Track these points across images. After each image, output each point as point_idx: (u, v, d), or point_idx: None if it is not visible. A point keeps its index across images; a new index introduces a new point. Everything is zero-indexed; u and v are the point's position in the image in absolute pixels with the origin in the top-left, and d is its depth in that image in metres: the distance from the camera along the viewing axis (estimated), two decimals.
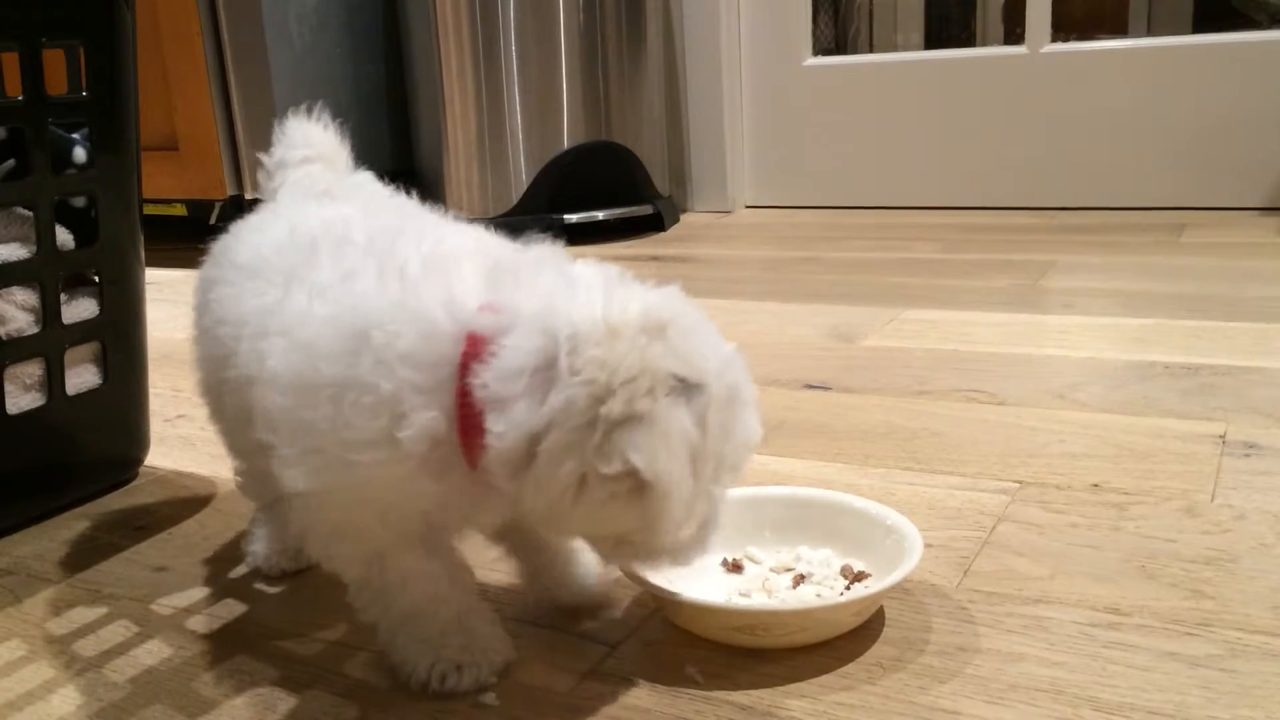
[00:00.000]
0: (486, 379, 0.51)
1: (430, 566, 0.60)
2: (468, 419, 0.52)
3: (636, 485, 0.50)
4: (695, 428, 0.51)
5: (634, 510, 0.51)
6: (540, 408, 0.50)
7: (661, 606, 0.69)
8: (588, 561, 0.71)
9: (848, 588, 0.68)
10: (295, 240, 0.62)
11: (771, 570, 0.71)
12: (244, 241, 0.67)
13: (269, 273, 0.61)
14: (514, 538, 0.68)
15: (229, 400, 0.65)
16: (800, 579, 0.70)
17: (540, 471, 0.51)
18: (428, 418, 0.52)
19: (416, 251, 0.55)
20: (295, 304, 0.57)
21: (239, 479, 0.80)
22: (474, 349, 0.52)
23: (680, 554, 0.57)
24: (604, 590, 0.71)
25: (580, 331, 0.50)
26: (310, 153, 0.73)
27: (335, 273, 0.57)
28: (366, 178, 0.70)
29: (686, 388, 0.51)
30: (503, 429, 0.51)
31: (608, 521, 0.53)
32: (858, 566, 0.70)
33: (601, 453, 0.50)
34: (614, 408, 0.49)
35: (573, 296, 0.52)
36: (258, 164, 0.75)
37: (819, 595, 0.68)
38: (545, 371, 0.50)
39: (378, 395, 0.52)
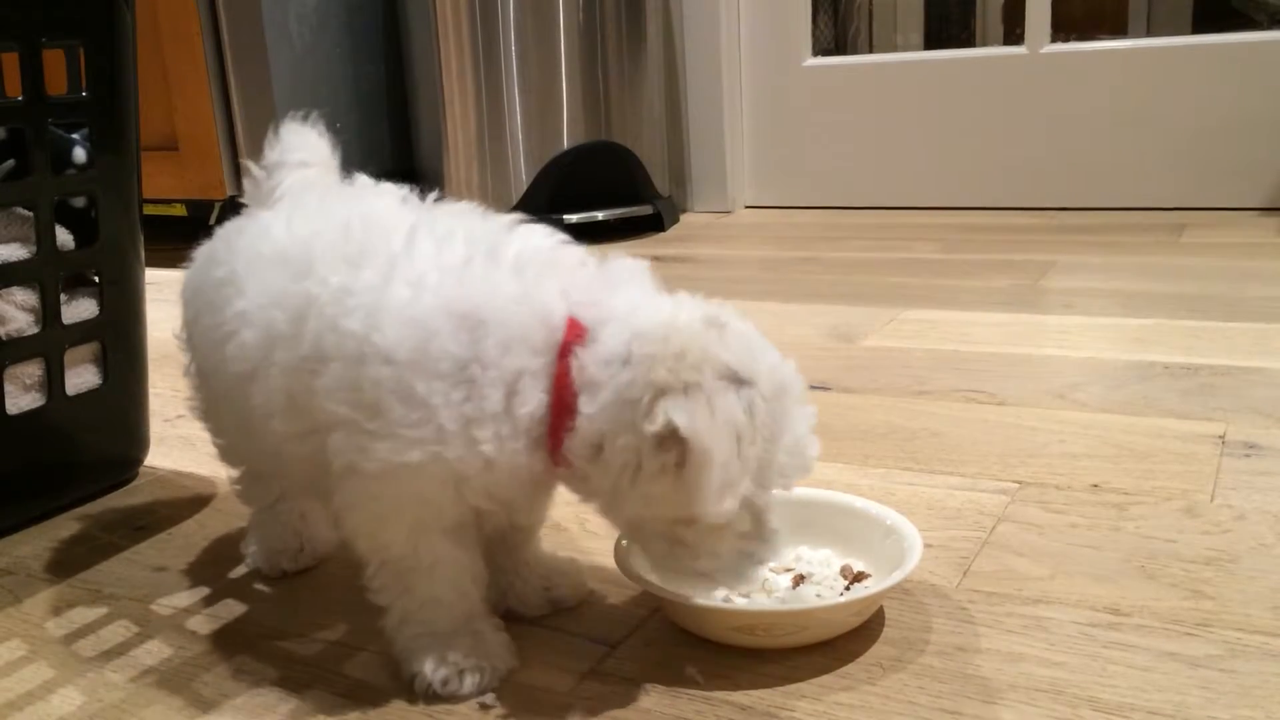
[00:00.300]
0: (585, 361, 0.56)
1: (460, 555, 0.62)
2: (562, 401, 0.57)
3: (680, 458, 0.54)
4: (743, 414, 0.55)
5: (680, 486, 0.55)
6: (617, 389, 0.55)
7: (662, 606, 0.69)
8: (561, 573, 0.72)
9: (847, 588, 0.68)
10: (360, 228, 0.62)
11: (771, 570, 0.71)
12: (269, 238, 0.66)
13: (329, 259, 0.60)
14: (496, 544, 0.69)
15: (238, 399, 0.65)
16: (800, 579, 0.70)
17: (606, 452, 0.56)
18: (539, 397, 0.57)
19: (524, 248, 0.59)
20: (395, 288, 0.57)
21: (238, 486, 0.80)
22: (575, 336, 0.57)
23: (732, 568, 0.60)
24: (575, 598, 0.72)
25: (649, 326, 0.56)
26: (307, 156, 0.73)
27: (442, 259, 0.59)
28: (367, 180, 0.70)
29: (737, 379, 0.55)
30: (591, 410, 0.56)
31: (658, 500, 0.57)
32: (857, 567, 0.70)
33: (647, 414, 0.54)
34: (660, 374, 0.54)
35: (656, 301, 0.58)
36: (245, 170, 0.74)
37: (819, 595, 0.68)
38: (627, 365, 0.55)
39: (501, 372, 0.56)
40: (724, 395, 0.55)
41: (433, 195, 0.66)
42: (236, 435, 0.72)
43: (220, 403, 0.70)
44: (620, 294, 0.59)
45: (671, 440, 0.54)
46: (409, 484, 0.58)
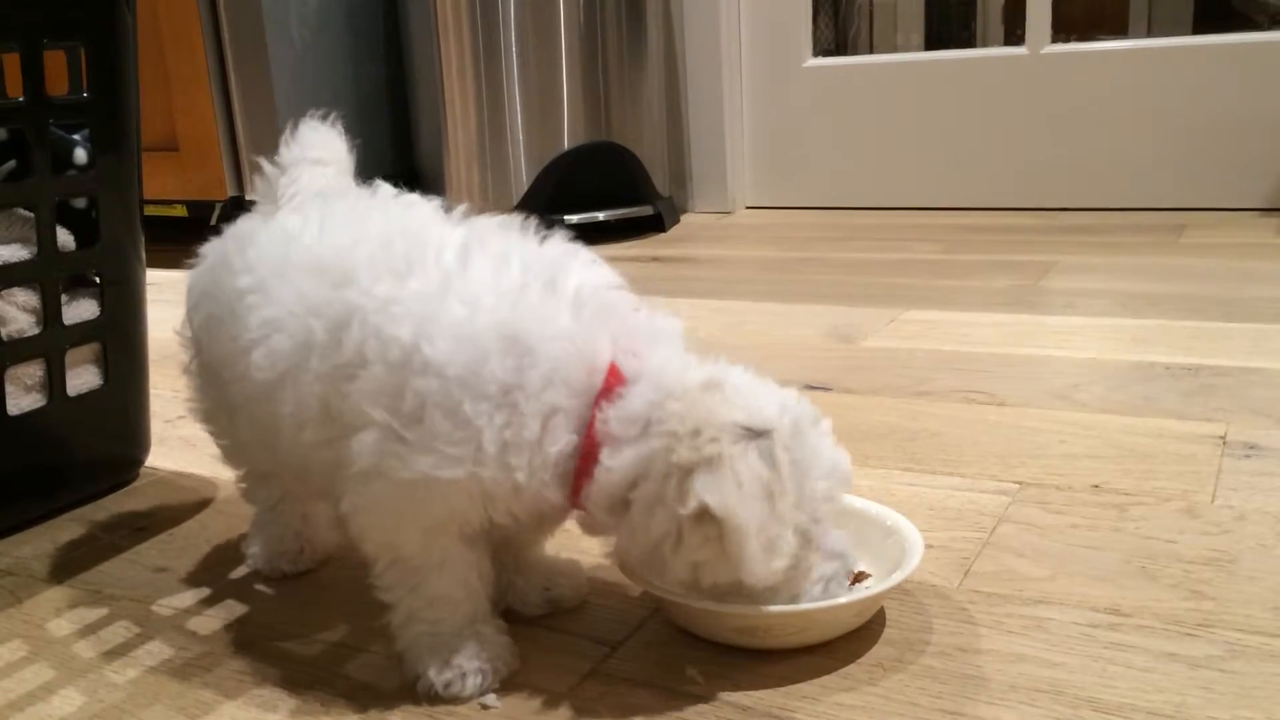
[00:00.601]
0: (609, 415, 0.58)
1: (470, 554, 0.62)
2: (588, 448, 0.58)
3: (719, 531, 0.56)
4: (767, 468, 0.56)
5: (725, 556, 0.57)
6: (639, 457, 0.57)
7: (663, 608, 0.69)
8: (561, 573, 0.72)
9: (849, 588, 0.68)
10: (404, 242, 0.61)
11: None
12: (298, 245, 0.65)
13: (373, 271, 0.60)
14: (499, 543, 0.69)
15: (261, 405, 0.64)
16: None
17: (635, 519, 0.58)
18: (568, 438, 0.58)
19: (584, 284, 0.60)
20: (450, 304, 0.58)
21: (242, 485, 0.80)
22: (609, 386, 0.58)
23: (789, 585, 0.61)
24: (576, 598, 0.72)
25: (663, 397, 0.57)
26: (325, 154, 0.73)
27: (499, 282, 0.59)
28: (389, 189, 0.70)
29: (752, 434, 0.57)
30: (610, 465, 0.58)
31: (707, 567, 0.59)
32: (858, 567, 0.70)
33: (679, 496, 0.56)
34: (683, 454, 0.56)
35: (682, 361, 0.60)
36: (257, 168, 0.74)
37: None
38: (649, 429, 0.57)
39: (540, 404, 0.57)
40: (746, 458, 0.56)
41: (462, 208, 0.66)
42: (251, 439, 0.71)
43: (237, 409, 0.69)
44: (658, 351, 0.60)
45: (708, 517, 0.56)
46: (439, 495, 0.58)
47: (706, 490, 0.55)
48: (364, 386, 0.58)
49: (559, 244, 0.63)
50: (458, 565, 0.62)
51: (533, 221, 0.64)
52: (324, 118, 0.74)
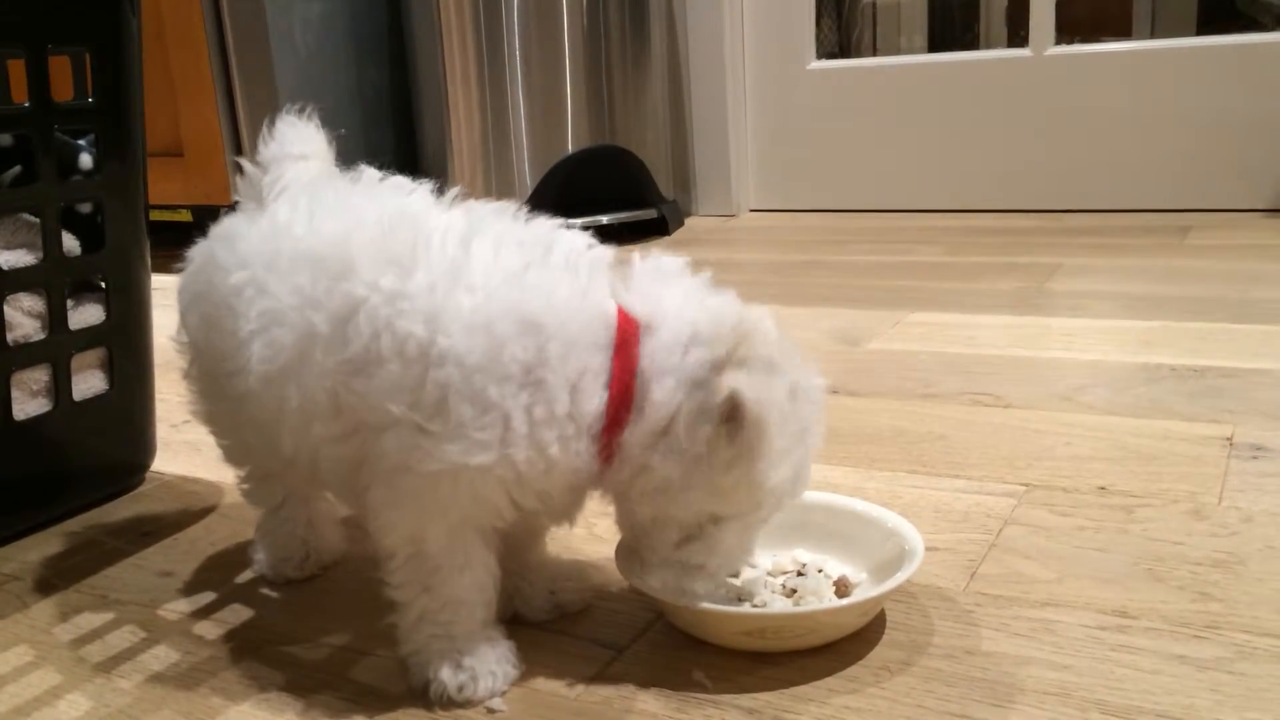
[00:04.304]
0: (654, 349, 0.59)
1: (487, 557, 0.63)
2: (621, 395, 0.59)
3: (741, 427, 0.57)
4: (787, 395, 0.58)
5: (743, 461, 0.58)
6: (682, 379, 0.58)
7: (665, 612, 0.68)
8: (566, 577, 0.72)
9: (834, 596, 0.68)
10: (399, 228, 0.61)
11: (769, 574, 0.71)
12: (289, 236, 0.64)
13: (372, 260, 0.60)
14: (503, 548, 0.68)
15: (265, 399, 0.63)
16: (792, 592, 0.69)
17: (675, 437, 0.58)
18: (600, 394, 0.58)
19: (570, 249, 0.61)
20: (458, 294, 0.58)
21: (245, 486, 0.80)
22: (630, 330, 0.59)
23: (730, 565, 0.64)
24: (581, 602, 0.72)
25: (708, 316, 0.59)
26: (306, 150, 0.72)
27: (501, 265, 0.59)
28: (373, 173, 0.70)
29: (778, 369, 0.58)
30: (661, 396, 0.58)
31: (720, 488, 0.59)
32: (844, 570, 0.71)
33: (712, 389, 0.57)
34: (721, 353, 0.57)
35: (701, 295, 0.61)
36: (238, 168, 0.73)
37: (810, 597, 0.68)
38: (691, 350, 0.58)
39: (565, 373, 0.57)
40: (774, 378, 0.58)
41: (454, 193, 0.65)
42: (254, 438, 0.71)
43: (239, 406, 0.68)
44: (671, 288, 0.61)
45: (734, 410, 0.57)
46: (468, 484, 0.58)
47: (737, 380, 0.56)
48: (382, 385, 0.58)
49: (544, 222, 0.64)
50: (477, 568, 0.62)
51: (525, 209, 0.64)
52: (300, 112, 0.74)
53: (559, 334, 0.57)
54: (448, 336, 0.57)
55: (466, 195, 0.65)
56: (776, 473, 0.59)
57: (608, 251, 0.63)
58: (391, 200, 0.65)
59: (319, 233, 0.64)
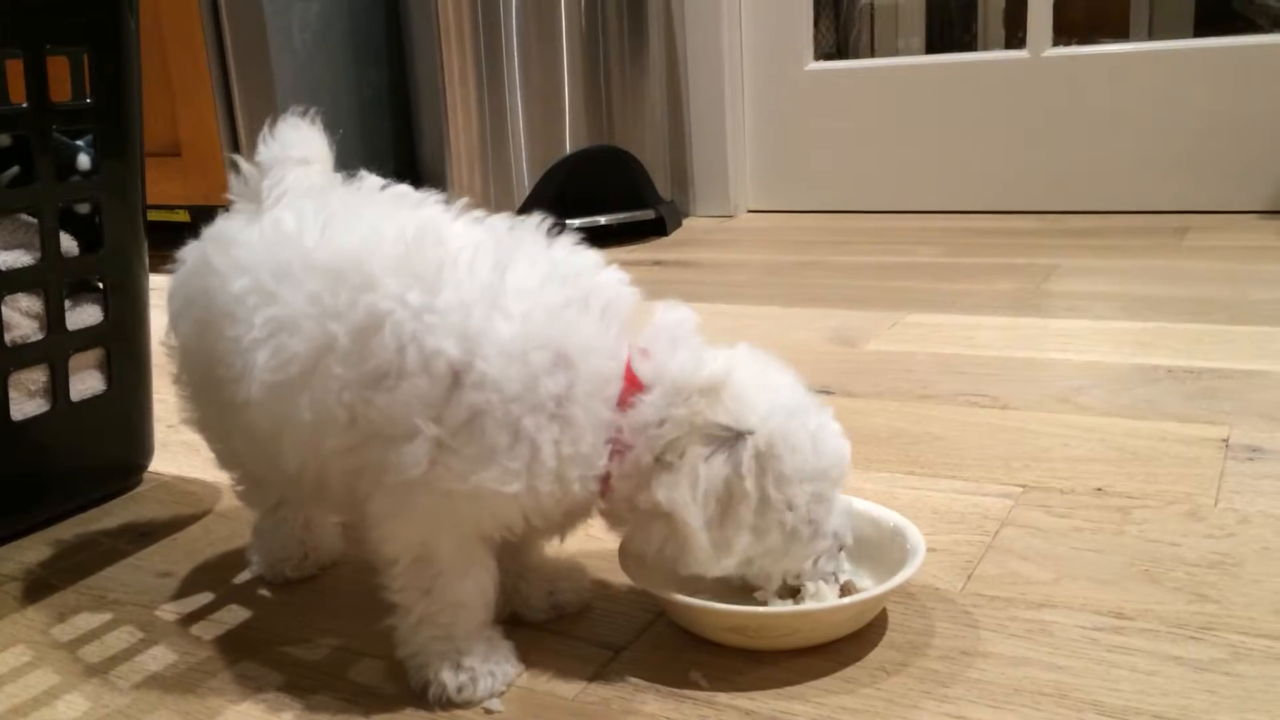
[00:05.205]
0: (624, 425, 0.60)
1: (488, 560, 0.63)
2: (614, 452, 0.61)
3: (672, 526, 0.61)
4: (730, 470, 0.59)
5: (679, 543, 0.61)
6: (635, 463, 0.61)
7: (663, 607, 0.69)
8: (564, 578, 0.73)
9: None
10: (422, 243, 0.60)
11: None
12: (298, 247, 0.63)
13: (395, 274, 0.59)
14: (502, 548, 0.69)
15: (270, 406, 0.62)
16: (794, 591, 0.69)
17: (639, 521, 0.62)
18: (605, 447, 0.60)
19: (612, 297, 0.62)
20: (496, 320, 0.58)
21: (239, 488, 0.80)
22: (626, 393, 0.61)
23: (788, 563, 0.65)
24: (579, 602, 0.72)
25: (677, 393, 0.60)
26: (309, 153, 0.71)
27: (542, 298, 0.60)
28: (375, 180, 0.69)
29: (728, 437, 0.60)
30: (619, 472, 0.61)
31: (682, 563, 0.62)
32: (845, 576, 0.70)
33: (646, 488, 0.60)
34: (650, 457, 0.60)
35: (696, 361, 0.61)
36: (234, 168, 0.72)
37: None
38: (663, 424, 0.60)
39: (591, 418, 0.59)
40: (711, 461, 0.59)
41: (460, 204, 0.65)
42: (245, 448, 0.71)
43: (231, 411, 0.66)
44: (675, 354, 0.62)
45: (664, 513, 0.60)
46: (488, 504, 0.59)
47: (659, 488, 0.59)
48: (402, 397, 0.57)
49: (577, 251, 0.64)
50: (479, 573, 0.63)
51: (542, 220, 0.64)
52: (303, 115, 0.72)
53: (585, 377, 0.59)
54: (486, 361, 0.57)
55: (471, 206, 0.65)
56: (727, 554, 0.61)
57: (634, 295, 0.64)
58: (407, 213, 0.64)
59: (334, 244, 0.62)
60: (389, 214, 0.64)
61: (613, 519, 0.65)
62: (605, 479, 0.61)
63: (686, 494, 0.59)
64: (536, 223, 0.64)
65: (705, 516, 0.59)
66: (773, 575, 0.64)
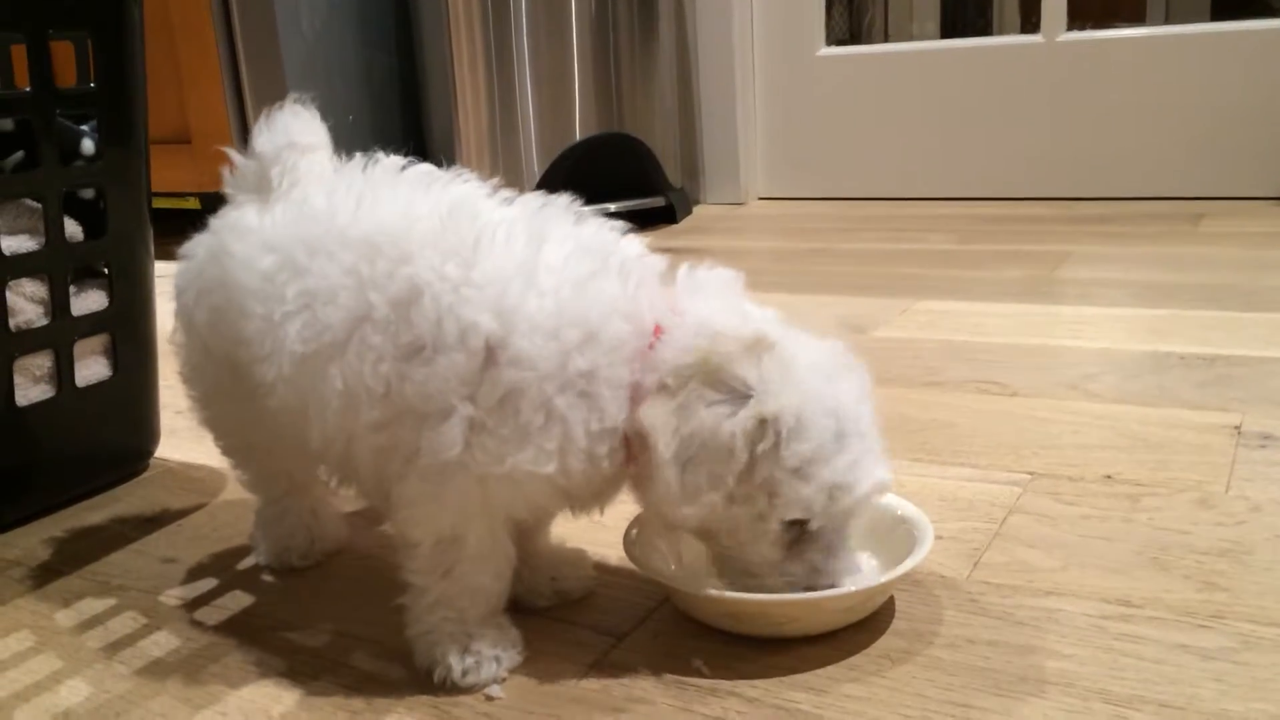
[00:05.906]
0: (641, 369, 0.59)
1: (508, 545, 0.63)
2: (631, 400, 0.59)
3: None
4: (730, 431, 0.57)
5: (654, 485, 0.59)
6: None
7: (667, 593, 0.69)
8: (567, 564, 0.72)
9: None
10: (459, 218, 0.60)
11: None
12: (330, 223, 0.63)
13: (434, 247, 0.59)
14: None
15: (300, 382, 0.62)
16: None
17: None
18: (629, 399, 0.59)
19: (628, 257, 0.62)
20: (530, 297, 0.58)
21: (244, 479, 0.80)
22: (653, 340, 0.60)
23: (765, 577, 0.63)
24: (582, 589, 0.72)
25: (696, 339, 0.59)
26: (314, 139, 0.71)
27: (570, 272, 0.59)
28: (393, 160, 0.68)
29: (743, 398, 0.58)
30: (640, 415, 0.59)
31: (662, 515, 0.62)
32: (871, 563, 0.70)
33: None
34: (651, 379, 0.59)
35: (738, 313, 0.62)
36: (228, 160, 0.71)
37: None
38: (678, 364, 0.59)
39: (612, 385, 0.58)
40: (713, 408, 0.57)
41: (495, 183, 0.65)
42: (261, 435, 0.71)
43: (252, 400, 0.66)
44: (706, 302, 0.62)
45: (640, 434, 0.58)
46: (521, 487, 0.59)
47: (647, 406, 0.58)
48: (439, 371, 0.57)
49: (604, 228, 0.64)
50: (499, 558, 0.63)
51: (572, 201, 0.64)
52: (301, 101, 0.72)
53: (609, 345, 0.58)
54: (521, 337, 0.57)
55: (502, 186, 0.65)
56: (691, 504, 0.58)
57: (658, 261, 0.64)
58: (441, 190, 0.64)
59: (370, 219, 0.62)
60: (423, 190, 0.64)
61: (637, 482, 0.62)
62: (625, 438, 0.60)
63: (669, 420, 0.57)
64: (567, 202, 0.64)
65: (683, 455, 0.57)
66: (733, 559, 0.63)
